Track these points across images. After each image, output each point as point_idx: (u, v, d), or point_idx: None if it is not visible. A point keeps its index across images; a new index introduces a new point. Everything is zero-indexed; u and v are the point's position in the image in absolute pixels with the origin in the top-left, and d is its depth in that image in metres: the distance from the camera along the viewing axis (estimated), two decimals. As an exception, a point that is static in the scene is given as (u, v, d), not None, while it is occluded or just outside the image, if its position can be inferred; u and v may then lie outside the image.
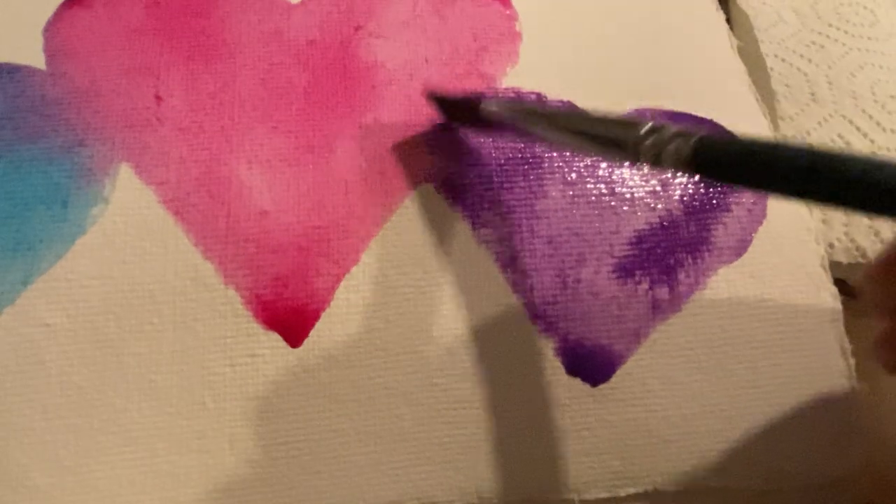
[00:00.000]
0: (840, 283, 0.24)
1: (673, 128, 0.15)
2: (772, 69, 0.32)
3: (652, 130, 0.15)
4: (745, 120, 0.26)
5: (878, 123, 0.31)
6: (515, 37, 0.25)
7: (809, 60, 0.32)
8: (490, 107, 0.20)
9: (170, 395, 0.20)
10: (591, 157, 0.22)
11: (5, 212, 0.21)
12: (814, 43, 0.32)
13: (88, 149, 0.22)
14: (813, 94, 0.31)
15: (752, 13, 0.34)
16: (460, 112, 0.22)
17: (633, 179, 0.23)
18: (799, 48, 0.32)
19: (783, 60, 0.32)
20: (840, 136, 0.30)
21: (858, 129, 0.31)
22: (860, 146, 0.30)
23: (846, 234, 0.28)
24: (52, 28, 0.24)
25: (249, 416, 0.20)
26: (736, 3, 0.34)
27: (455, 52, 0.25)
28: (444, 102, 0.23)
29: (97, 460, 0.19)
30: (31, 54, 0.23)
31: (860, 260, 0.28)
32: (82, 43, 0.24)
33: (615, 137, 0.16)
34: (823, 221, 0.28)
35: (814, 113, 0.31)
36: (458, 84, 0.24)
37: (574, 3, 0.27)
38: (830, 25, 0.33)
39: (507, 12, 0.26)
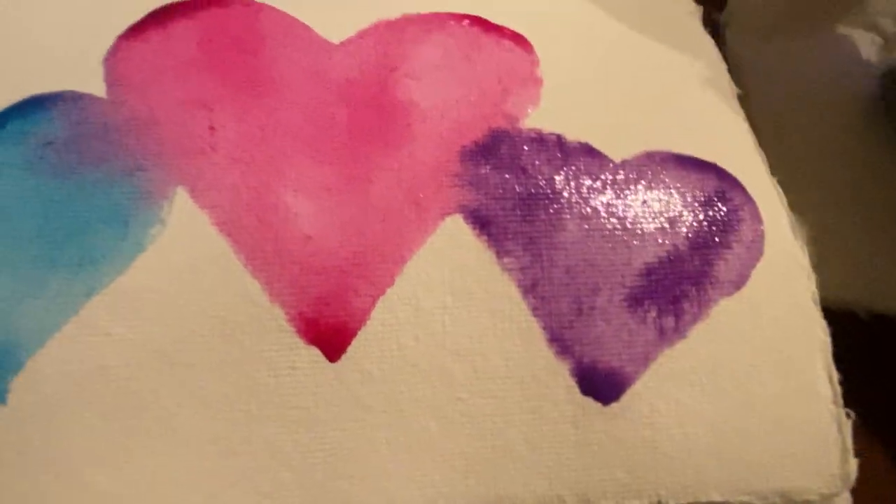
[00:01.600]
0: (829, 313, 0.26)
1: None
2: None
3: None
4: (744, 163, 0.28)
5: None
6: (537, 81, 0.28)
7: (804, 108, 0.35)
8: None
9: (218, 401, 0.22)
10: None
11: (71, 230, 0.22)
12: (808, 91, 0.35)
13: (147, 173, 0.24)
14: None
15: (750, 59, 0.36)
16: None
17: (644, 216, 0.25)
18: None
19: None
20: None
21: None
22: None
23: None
24: (112, 59, 0.26)
25: (290, 424, 0.22)
26: (733, 47, 0.37)
27: (482, 94, 0.27)
28: None
29: (150, 460, 0.21)
30: (93, 83, 0.25)
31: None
32: (140, 74, 0.26)
33: None
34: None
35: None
36: (484, 124, 0.26)
37: (590, 52, 0.29)
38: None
39: (530, 58, 0.28)
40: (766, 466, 0.23)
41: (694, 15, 0.32)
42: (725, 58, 0.33)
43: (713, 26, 0.34)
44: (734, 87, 0.31)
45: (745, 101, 0.31)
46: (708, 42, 0.32)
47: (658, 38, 0.31)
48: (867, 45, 0.37)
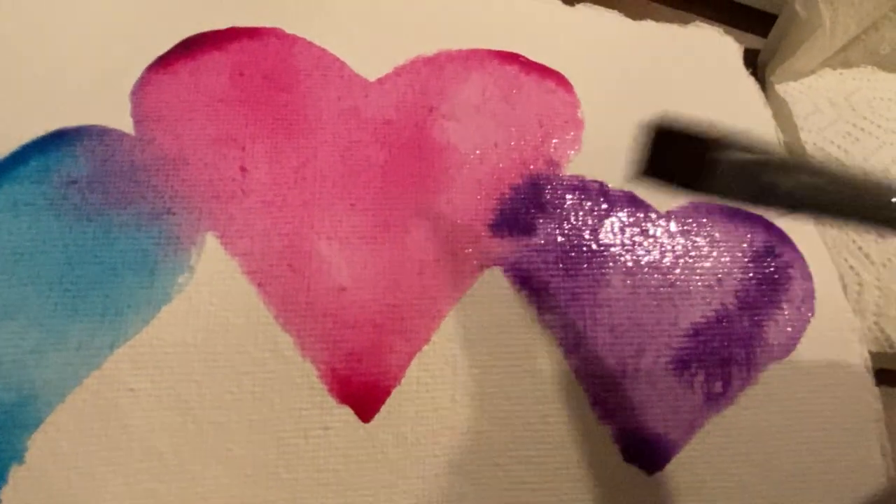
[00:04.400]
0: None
1: None
2: (811, 156, 0.33)
3: None
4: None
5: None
6: (579, 124, 0.27)
7: (846, 151, 0.33)
8: (728, 154, 0.16)
9: (245, 463, 0.21)
10: (855, 224, 0.18)
11: (95, 277, 0.21)
12: (849, 134, 0.34)
13: (176, 217, 0.22)
14: (847, 184, 0.33)
15: (791, 101, 0.35)
16: (685, 157, 0.18)
17: (691, 273, 0.24)
18: (836, 138, 0.34)
19: (822, 149, 0.33)
20: (872, 225, 0.32)
21: None
22: (893, 238, 0.31)
23: (876, 323, 0.29)
24: (140, 92, 0.25)
25: (319, 489, 0.21)
26: (774, 89, 0.36)
27: (522, 138, 0.26)
28: (669, 139, 0.18)
29: (173, 526, 0.20)
30: (120, 117, 0.24)
31: (888, 350, 0.29)
32: (169, 109, 0.25)
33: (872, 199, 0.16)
34: (854, 312, 0.29)
35: (847, 201, 0.32)
36: (525, 170, 0.25)
37: (632, 92, 0.28)
38: (865, 118, 0.35)
39: (570, 99, 0.27)
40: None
41: (737, 55, 0.31)
42: (768, 98, 0.32)
43: (752, 67, 0.33)
44: (779, 131, 0.30)
45: (786, 145, 0.30)
46: (752, 84, 0.31)
47: (701, 79, 0.30)
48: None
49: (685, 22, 0.33)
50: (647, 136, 0.18)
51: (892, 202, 0.17)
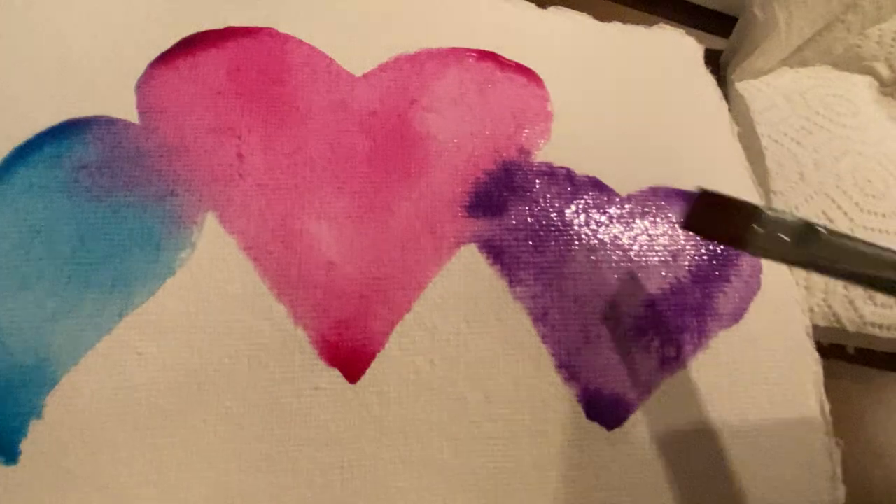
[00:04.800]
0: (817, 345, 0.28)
1: None
2: (766, 149, 0.36)
3: None
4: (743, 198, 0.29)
5: (856, 204, 0.35)
6: (548, 116, 0.29)
7: (799, 143, 0.36)
8: (767, 224, 0.18)
9: (242, 421, 0.23)
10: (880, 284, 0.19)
11: (105, 252, 0.24)
12: (803, 128, 0.37)
13: (179, 198, 0.25)
14: (801, 174, 0.35)
15: (749, 97, 0.38)
16: (724, 222, 0.20)
17: (648, 249, 0.26)
18: (790, 132, 0.36)
19: (776, 142, 0.36)
20: (823, 212, 0.34)
21: (839, 207, 0.35)
22: (841, 223, 0.34)
23: (824, 300, 0.32)
24: (144, 86, 0.27)
25: (311, 443, 0.23)
26: (735, 87, 0.38)
27: (496, 128, 0.28)
28: (712, 204, 0.20)
29: (177, 476, 0.22)
30: (126, 109, 0.26)
31: (835, 325, 0.32)
32: (171, 101, 0.27)
33: None
34: (806, 288, 0.32)
35: (801, 190, 0.35)
36: (498, 157, 0.28)
37: (598, 90, 0.31)
38: (818, 113, 0.37)
39: (541, 93, 0.30)
40: (760, 492, 0.24)
41: (697, 55, 0.34)
42: (726, 96, 0.34)
43: (715, 66, 0.36)
44: (734, 125, 0.32)
45: (743, 138, 0.33)
46: (710, 81, 0.33)
47: (662, 77, 0.32)
48: (864, 89, 0.38)
49: (651, 24, 0.35)
50: (697, 196, 0.21)
51: None
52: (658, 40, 0.34)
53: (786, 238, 0.19)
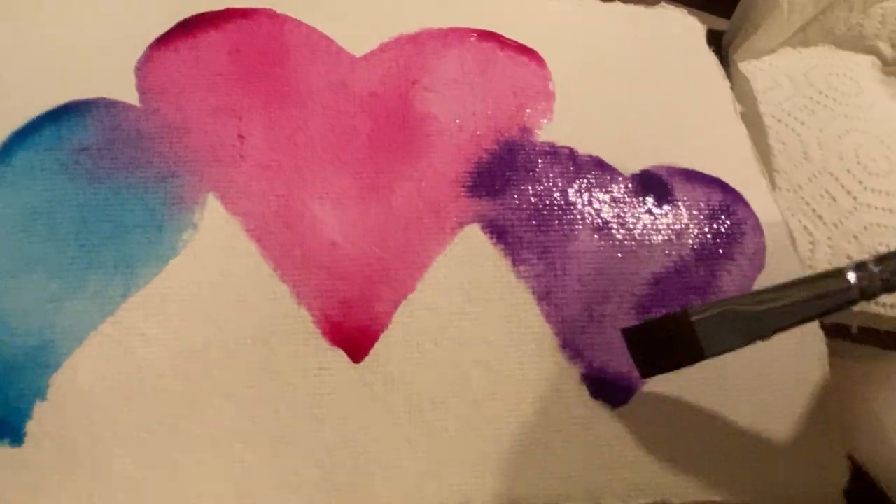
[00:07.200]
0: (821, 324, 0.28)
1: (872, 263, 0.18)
2: (769, 128, 0.35)
3: (857, 268, 0.19)
4: (747, 178, 0.29)
5: (860, 182, 0.34)
6: (550, 95, 0.29)
7: (802, 123, 0.36)
8: (701, 314, 0.19)
9: (247, 400, 0.23)
10: (816, 317, 0.21)
11: (108, 233, 0.23)
12: (806, 107, 0.36)
13: (180, 179, 0.25)
14: (804, 153, 0.35)
15: (752, 77, 0.38)
16: (668, 342, 0.20)
17: (652, 228, 0.26)
18: (794, 111, 0.36)
19: (779, 121, 0.36)
20: (827, 191, 0.34)
21: (843, 186, 0.34)
22: (844, 202, 0.34)
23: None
24: (144, 68, 0.27)
25: (316, 423, 0.23)
26: (737, 67, 0.38)
27: (497, 107, 0.28)
28: (645, 335, 0.20)
29: (182, 456, 0.22)
30: (126, 91, 0.26)
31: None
32: (171, 83, 0.27)
33: (829, 291, 0.19)
34: (810, 267, 0.32)
35: (805, 169, 0.35)
36: (500, 136, 0.27)
37: (600, 69, 0.30)
38: (821, 93, 0.37)
39: (543, 73, 0.30)
40: (763, 469, 0.24)
41: (699, 34, 0.34)
42: (729, 76, 0.34)
43: (717, 46, 0.36)
44: (738, 104, 0.32)
45: (746, 117, 0.33)
46: (712, 61, 0.33)
47: (665, 57, 0.32)
48: (867, 69, 0.38)
49: (653, 4, 0.35)
50: (625, 342, 0.20)
51: (847, 280, 0.19)
52: (660, 20, 0.33)
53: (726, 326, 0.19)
